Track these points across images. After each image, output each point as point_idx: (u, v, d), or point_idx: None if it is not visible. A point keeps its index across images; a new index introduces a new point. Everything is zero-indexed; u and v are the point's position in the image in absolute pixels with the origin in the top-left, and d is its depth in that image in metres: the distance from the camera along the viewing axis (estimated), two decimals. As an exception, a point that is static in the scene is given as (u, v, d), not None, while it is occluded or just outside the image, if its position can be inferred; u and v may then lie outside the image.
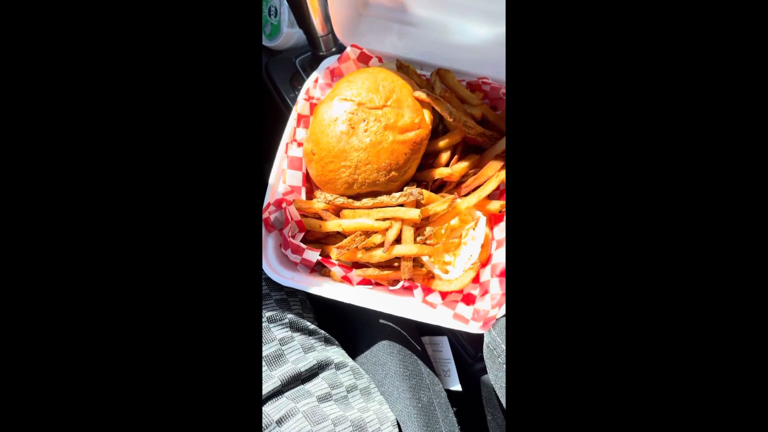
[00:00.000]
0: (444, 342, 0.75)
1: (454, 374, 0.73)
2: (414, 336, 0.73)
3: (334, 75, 0.78)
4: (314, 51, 0.88)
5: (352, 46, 0.75)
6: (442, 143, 0.71)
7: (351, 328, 0.72)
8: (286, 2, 0.88)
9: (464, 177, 0.73)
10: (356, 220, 0.65)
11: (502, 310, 0.61)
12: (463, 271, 0.66)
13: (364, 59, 0.78)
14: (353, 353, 0.70)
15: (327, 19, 0.81)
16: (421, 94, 0.67)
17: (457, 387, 0.72)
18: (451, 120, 0.67)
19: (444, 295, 0.68)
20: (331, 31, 0.83)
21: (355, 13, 0.79)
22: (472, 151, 0.77)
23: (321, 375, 0.58)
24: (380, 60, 0.78)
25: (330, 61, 0.78)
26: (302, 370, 0.55)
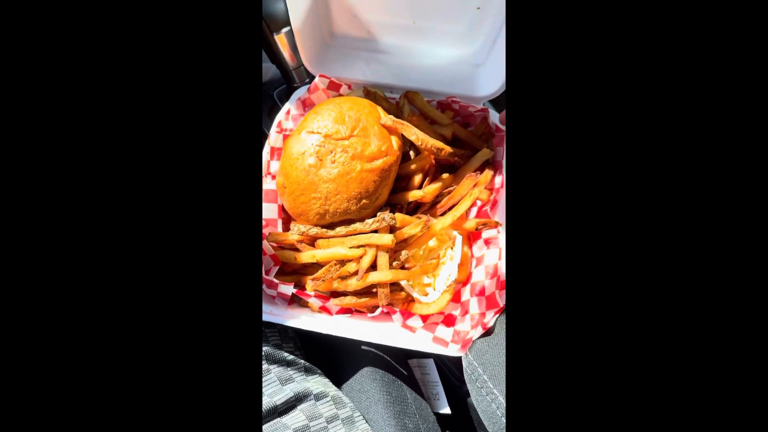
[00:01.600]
0: (431, 365, 0.75)
1: (443, 397, 0.72)
2: (399, 360, 0.73)
3: (306, 105, 0.79)
4: (288, 83, 0.90)
5: (320, 76, 0.76)
6: (413, 166, 0.72)
7: (335, 356, 0.72)
8: (258, 37, 0.90)
9: (439, 197, 0.73)
10: (330, 249, 0.66)
11: (479, 331, 0.61)
12: (440, 293, 0.66)
13: (333, 87, 0.79)
14: (338, 381, 0.70)
15: (296, 51, 0.83)
16: (387, 121, 0.68)
17: (446, 410, 0.72)
18: (419, 144, 0.68)
19: (425, 318, 0.68)
20: (302, 63, 0.85)
21: (322, 45, 0.81)
22: (447, 170, 0.77)
23: (299, 407, 0.58)
24: (349, 87, 0.79)
25: (301, 92, 0.79)
26: (278, 403, 0.55)
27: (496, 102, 0.84)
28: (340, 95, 0.79)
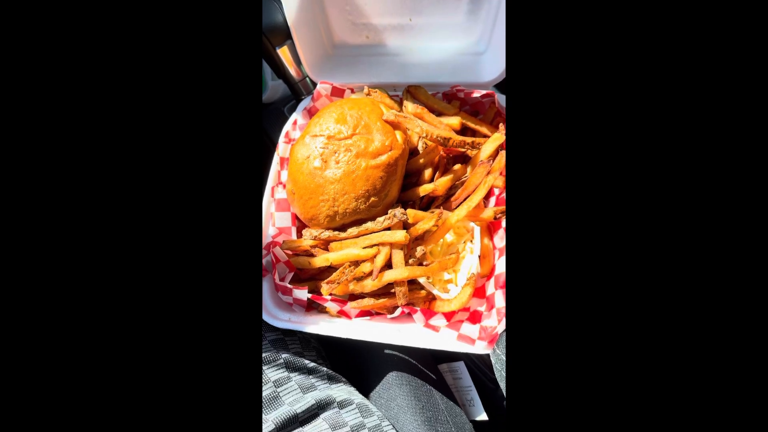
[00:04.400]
0: (462, 368, 0.70)
1: (478, 403, 0.67)
2: (428, 365, 0.69)
3: (311, 114, 0.80)
4: (296, 96, 0.92)
5: (322, 83, 0.77)
6: (422, 160, 0.70)
7: (362, 363, 0.70)
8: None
9: (452, 190, 0.70)
10: (343, 251, 0.64)
11: (503, 324, 0.56)
12: (461, 288, 0.62)
13: (337, 93, 0.80)
14: (366, 389, 0.67)
15: (300, 64, 0.85)
16: (390, 116, 0.67)
17: (482, 416, 0.66)
18: (423, 136, 0.66)
19: (449, 316, 0.64)
20: (307, 75, 0.86)
21: (324, 55, 0.82)
22: (460, 161, 0.74)
23: (322, 415, 0.55)
24: (352, 91, 0.79)
25: (306, 102, 0.80)
26: (299, 411, 0.53)
27: (503, 86, 0.81)
28: (345, 100, 0.80)
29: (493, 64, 0.74)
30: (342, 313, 0.65)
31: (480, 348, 0.57)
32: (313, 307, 0.68)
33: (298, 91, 0.90)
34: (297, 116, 0.79)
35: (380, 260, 0.62)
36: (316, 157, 0.65)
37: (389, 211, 0.65)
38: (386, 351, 0.67)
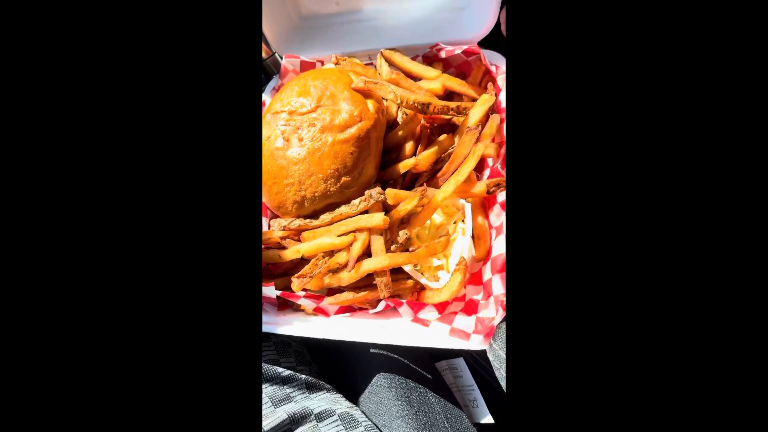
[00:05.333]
0: (462, 365, 0.62)
1: (482, 403, 0.59)
2: (421, 361, 0.61)
3: (280, 93, 0.72)
4: (267, 76, 0.84)
5: (287, 57, 0.69)
6: (400, 132, 0.61)
7: (348, 364, 0.62)
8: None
9: (438, 164, 0.62)
10: (315, 241, 0.57)
11: (501, 314, 0.48)
12: (450, 276, 0.54)
13: (307, 68, 0.72)
14: (354, 393, 0.59)
15: (266, 40, 0.77)
16: (359, 83, 0.58)
17: (488, 419, 0.58)
18: (399, 103, 0.57)
19: (440, 307, 0.55)
20: (275, 52, 0.79)
21: (292, 27, 0.74)
22: (447, 130, 0.65)
23: (297, 431, 0.48)
24: (322, 64, 0.71)
25: (275, 81, 0.73)
26: (267, 429, 0.46)
27: (489, 42, 0.71)
28: (316, 75, 0.72)
29: (478, 18, 0.65)
30: (319, 311, 0.58)
31: (476, 343, 0.49)
32: (287, 305, 0.61)
33: (268, 71, 0.82)
34: (266, 98, 0.72)
35: (357, 248, 0.54)
36: (278, 137, 0.57)
37: (365, 192, 0.57)
38: (373, 350, 0.59)
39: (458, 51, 0.63)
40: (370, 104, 0.58)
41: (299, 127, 0.56)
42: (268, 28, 0.70)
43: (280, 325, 0.56)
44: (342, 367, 0.62)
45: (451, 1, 0.68)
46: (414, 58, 0.67)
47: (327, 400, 0.54)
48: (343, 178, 0.56)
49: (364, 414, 0.56)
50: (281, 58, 0.77)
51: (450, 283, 0.53)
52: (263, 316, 0.58)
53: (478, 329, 0.51)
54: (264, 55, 0.79)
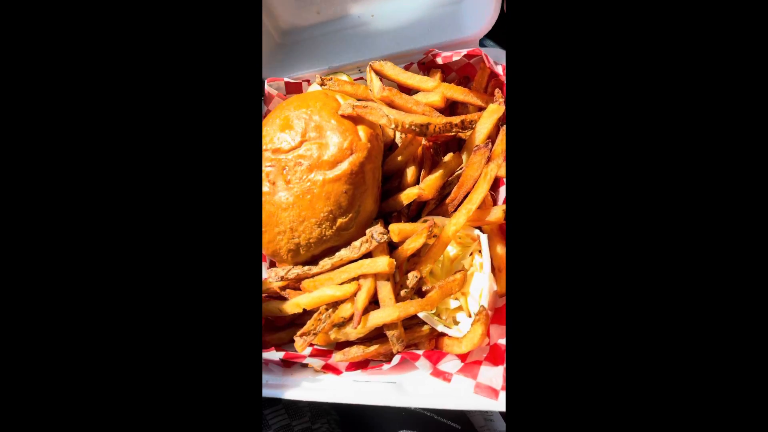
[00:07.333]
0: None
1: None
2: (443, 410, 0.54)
3: (267, 121, 0.66)
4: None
5: (269, 81, 0.63)
6: (399, 158, 0.54)
7: (369, 420, 0.57)
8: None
9: (446, 188, 0.54)
10: (315, 293, 0.51)
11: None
12: (470, 325, 0.47)
13: (293, 90, 0.65)
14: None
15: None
16: (346, 109, 0.51)
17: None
18: (393, 127, 0.50)
19: (463, 356, 0.49)
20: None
21: (272, 45, 0.67)
22: (453, 148, 0.58)
23: None
24: (308, 83, 0.64)
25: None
26: None
27: (495, 36, 0.62)
28: (303, 96, 0.65)
29: (478, 12, 0.56)
30: (328, 368, 0.52)
31: (504, 403, 0.42)
32: (295, 363, 0.56)
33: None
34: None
35: (361, 299, 0.48)
36: (263, 181, 0.51)
37: (366, 232, 0.51)
38: (391, 406, 0.53)
39: (456, 57, 0.54)
40: (362, 131, 0.51)
41: (285, 167, 0.50)
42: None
43: (287, 388, 0.51)
44: (363, 423, 0.57)
45: (445, -6, 0.59)
46: (408, 67, 0.59)
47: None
48: (339, 220, 0.49)
49: None
50: (264, 81, 0.71)
51: (470, 335, 0.46)
52: (268, 378, 0.53)
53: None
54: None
